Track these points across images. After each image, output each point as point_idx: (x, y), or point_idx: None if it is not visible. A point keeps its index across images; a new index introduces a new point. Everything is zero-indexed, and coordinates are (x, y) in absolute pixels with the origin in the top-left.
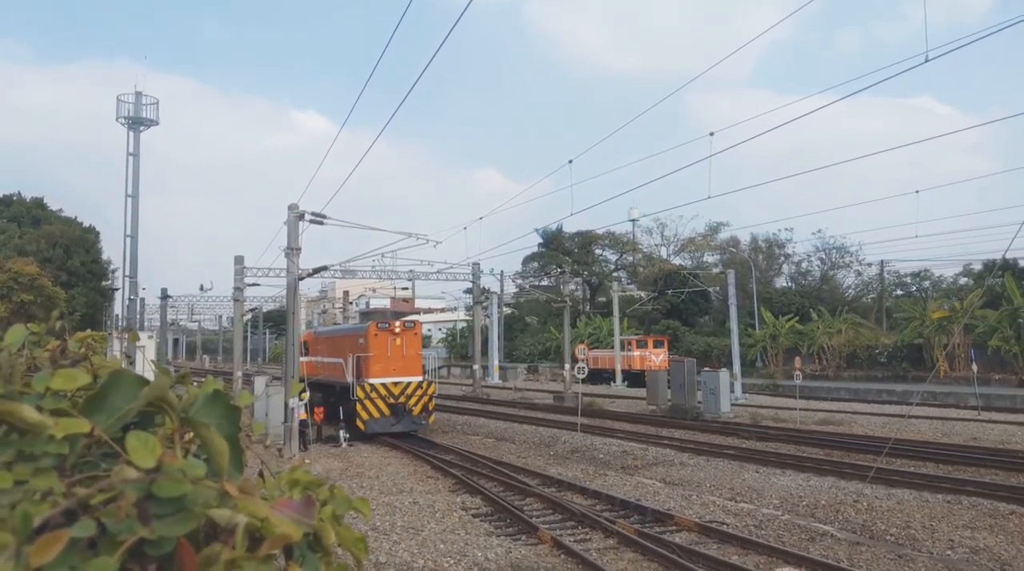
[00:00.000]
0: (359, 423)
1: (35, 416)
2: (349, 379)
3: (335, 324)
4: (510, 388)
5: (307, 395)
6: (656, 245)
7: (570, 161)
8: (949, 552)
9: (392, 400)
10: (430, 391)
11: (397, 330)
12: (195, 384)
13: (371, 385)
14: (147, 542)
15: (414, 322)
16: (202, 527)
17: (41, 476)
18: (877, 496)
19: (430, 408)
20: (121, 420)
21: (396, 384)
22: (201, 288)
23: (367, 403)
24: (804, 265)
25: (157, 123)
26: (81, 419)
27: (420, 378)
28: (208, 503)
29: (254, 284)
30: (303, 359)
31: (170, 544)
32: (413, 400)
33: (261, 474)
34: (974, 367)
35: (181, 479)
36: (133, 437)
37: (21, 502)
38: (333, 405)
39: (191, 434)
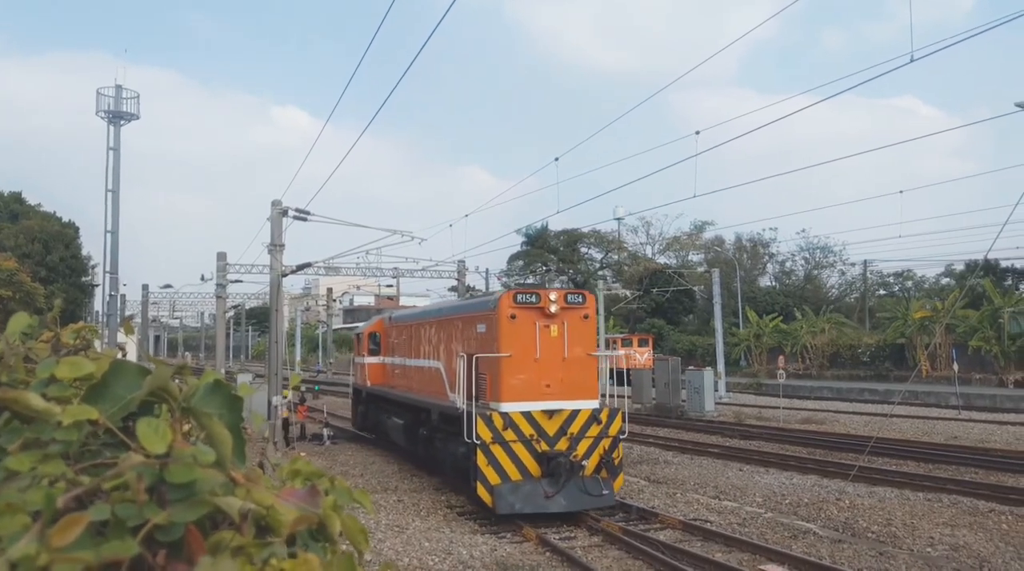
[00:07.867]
0: (482, 490)
1: (42, 403)
2: (457, 401)
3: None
4: None
5: (288, 392)
6: (641, 244)
7: (556, 159)
8: (929, 549)
9: (544, 445)
10: (612, 429)
11: (552, 309)
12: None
13: (504, 415)
14: (158, 527)
15: (583, 295)
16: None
17: (49, 462)
18: (859, 494)
19: (616, 461)
20: (124, 409)
21: (552, 413)
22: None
23: (497, 450)
24: (788, 265)
25: (138, 117)
26: (88, 407)
27: (595, 403)
28: (215, 490)
29: (237, 280)
30: (370, 360)
31: (179, 530)
32: (583, 446)
33: (261, 465)
34: (955, 367)
35: (192, 465)
36: (144, 423)
37: (31, 487)
38: (426, 442)
39: (188, 424)
